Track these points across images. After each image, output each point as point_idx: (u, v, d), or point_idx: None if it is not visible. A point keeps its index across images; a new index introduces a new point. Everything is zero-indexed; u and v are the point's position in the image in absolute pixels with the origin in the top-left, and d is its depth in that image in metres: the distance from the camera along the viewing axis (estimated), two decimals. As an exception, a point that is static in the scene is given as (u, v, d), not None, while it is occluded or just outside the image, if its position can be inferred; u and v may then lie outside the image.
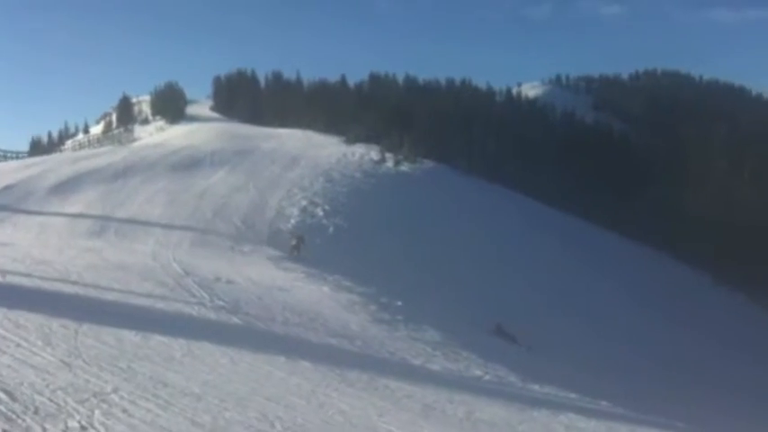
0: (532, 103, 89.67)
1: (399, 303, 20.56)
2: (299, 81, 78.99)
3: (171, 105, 76.65)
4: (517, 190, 52.94)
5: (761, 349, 36.87)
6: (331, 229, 34.23)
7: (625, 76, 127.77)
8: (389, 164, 51.47)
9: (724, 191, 52.22)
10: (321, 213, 36.34)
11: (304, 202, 37.74)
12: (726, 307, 42.25)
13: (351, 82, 77.06)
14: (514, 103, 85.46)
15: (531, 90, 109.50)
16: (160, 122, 73.67)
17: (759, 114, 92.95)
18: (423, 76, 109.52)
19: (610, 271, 42.31)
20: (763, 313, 42.82)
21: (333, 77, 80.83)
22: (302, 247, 26.71)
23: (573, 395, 12.43)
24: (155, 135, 66.29)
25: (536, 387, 12.66)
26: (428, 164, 52.98)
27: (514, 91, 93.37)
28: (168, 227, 30.31)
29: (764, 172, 52.89)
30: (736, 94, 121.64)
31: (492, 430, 8.10)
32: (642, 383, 21.86)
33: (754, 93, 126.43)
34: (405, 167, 51.41)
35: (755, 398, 27.73)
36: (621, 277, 41.67)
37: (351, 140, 57.00)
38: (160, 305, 14.52)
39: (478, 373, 13.00)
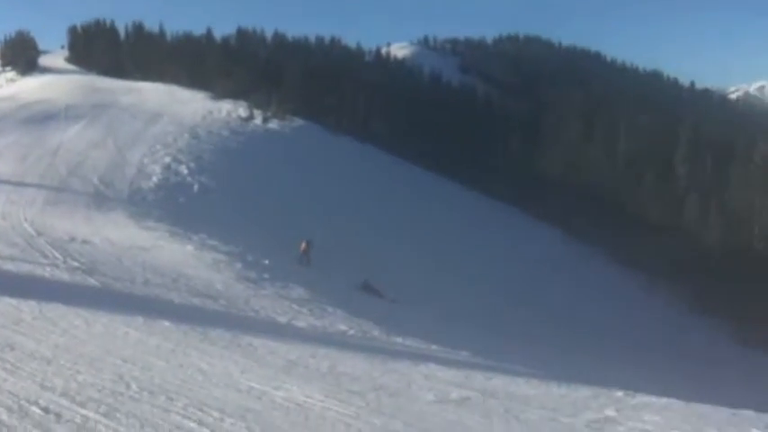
0: (401, 63, 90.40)
1: (267, 262, 20.41)
2: (161, 33, 75.92)
3: (22, 55, 71.83)
4: (385, 149, 53.54)
5: (618, 299, 39.37)
6: (196, 188, 33.40)
7: (489, 39, 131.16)
8: (258, 121, 50.62)
9: (578, 152, 54.81)
10: (186, 171, 35.35)
11: (167, 160, 36.57)
12: (579, 260, 44.67)
13: (217, 36, 74.87)
14: (383, 63, 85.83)
15: (399, 50, 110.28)
16: (10, 74, 68.94)
17: (612, 79, 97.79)
18: (292, 33, 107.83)
19: (473, 227, 43.72)
20: (618, 266, 45.62)
21: (198, 31, 78.27)
22: (309, 251, 24.79)
23: (434, 346, 12.81)
24: (5, 87, 61.98)
25: (399, 340, 12.95)
26: (298, 122, 52.52)
27: (383, 51, 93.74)
28: (20, 184, 28.60)
29: (615, 134, 55.89)
30: (592, 60, 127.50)
31: (353, 383, 8.22)
32: (503, 333, 22.86)
33: (608, 58, 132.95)
34: (274, 125, 50.73)
35: (617, 341, 29.75)
36: (483, 233, 43.17)
37: (217, 96, 55.52)
38: (9, 266, 13.74)
39: (343, 328, 13.15)
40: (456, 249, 38.48)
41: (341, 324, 13.52)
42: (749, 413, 9.39)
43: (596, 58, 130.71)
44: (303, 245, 24.65)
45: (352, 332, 12.96)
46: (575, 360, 19.90)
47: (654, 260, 43.55)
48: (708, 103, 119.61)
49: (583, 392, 9.92)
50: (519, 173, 52.62)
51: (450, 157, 53.29)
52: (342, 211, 37.04)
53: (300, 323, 12.87)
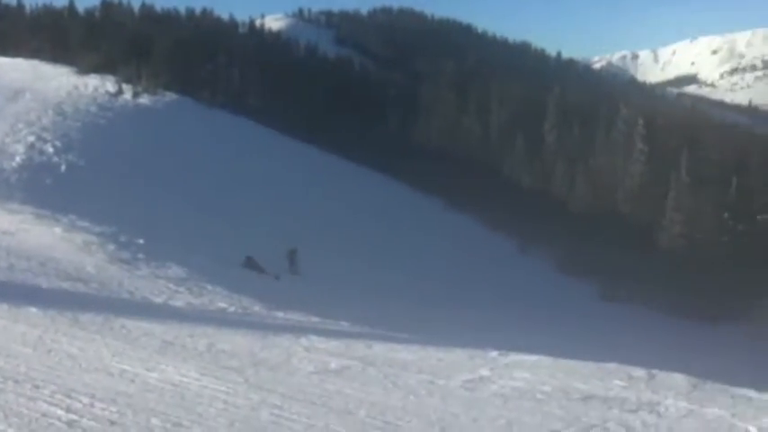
0: (276, 35, 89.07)
1: (141, 241, 19.81)
2: (19, 6, 71.56)
3: None
4: (262, 123, 52.78)
5: (493, 262, 40.70)
6: (63, 167, 31.89)
7: (364, 11, 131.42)
8: (127, 96, 48.69)
9: (453, 122, 56.02)
10: (51, 150, 33.66)
11: (31, 138, 34.69)
12: (456, 227, 45.88)
13: (80, 8, 71.24)
14: (258, 36, 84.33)
15: (274, 23, 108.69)
16: None
17: (483, 51, 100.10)
18: (161, 4, 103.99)
19: (354, 200, 43.98)
20: (493, 231, 47.13)
21: (59, 2, 74.24)
22: (296, 259, 24.96)
23: (315, 319, 12.87)
24: None
25: (280, 314, 12.93)
26: (170, 96, 50.89)
27: (257, 23, 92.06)
28: None
29: (487, 104, 57.42)
30: (463, 32, 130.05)
31: (232, 359, 8.16)
32: (384, 301, 23.23)
33: (479, 30, 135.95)
34: (144, 100, 48.96)
35: (494, 302, 30.80)
36: (364, 205, 43.51)
37: (83, 71, 52.92)
38: None
39: (223, 305, 12.99)
40: (338, 222, 38.65)
41: (221, 302, 13.34)
42: (613, 366, 9.99)
43: (467, 30, 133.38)
44: (288, 254, 24.91)
45: (232, 309, 12.81)
46: (454, 323, 20.50)
47: (526, 224, 45.30)
48: (573, 73, 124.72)
49: (459, 355, 10.26)
50: (397, 144, 53.26)
51: (327, 130, 53.19)
52: (218, 187, 36.36)
53: (178, 303, 12.61)
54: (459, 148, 53.04)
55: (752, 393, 8.94)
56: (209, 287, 14.82)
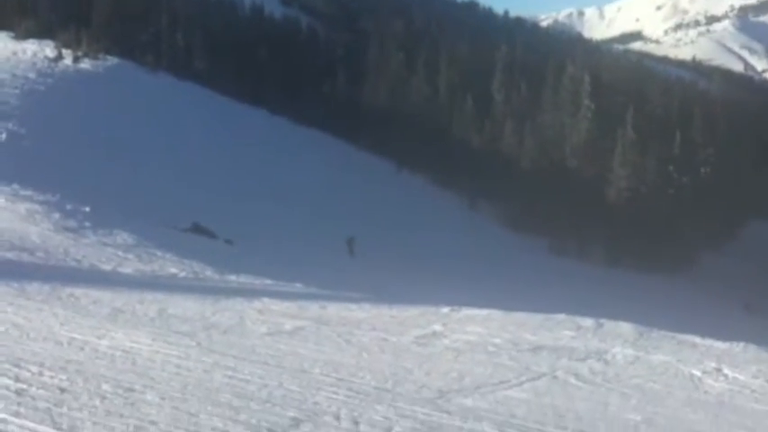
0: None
1: (87, 209, 19.38)
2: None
3: None
4: (208, 86, 51.77)
5: (444, 221, 41.02)
6: (4, 136, 30.92)
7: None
8: (67, 61, 47.24)
9: (402, 82, 55.72)
10: (-11, 118, 32.57)
11: (-33, 107, 33.53)
12: (407, 187, 46.02)
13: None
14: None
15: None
16: None
17: (431, 10, 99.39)
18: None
19: (303, 163, 43.67)
20: (443, 191, 47.43)
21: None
22: (354, 247, 27.11)
23: (268, 281, 12.84)
24: None
25: (233, 278, 12.86)
26: (111, 60, 49.50)
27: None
28: None
29: (436, 63, 57.24)
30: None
31: (184, 324, 8.11)
32: (338, 263, 23.29)
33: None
34: (85, 65, 47.57)
35: (445, 260, 31.12)
36: (314, 168, 43.26)
37: (20, 36, 51.04)
38: None
39: (174, 271, 12.85)
40: (291, 186, 38.42)
41: (171, 267, 13.19)
42: (561, 316, 10.23)
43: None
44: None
45: (183, 274, 12.69)
46: (407, 281, 20.65)
47: (476, 182, 45.67)
48: (521, 31, 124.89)
49: (412, 312, 10.38)
50: (346, 106, 52.87)
51: (275, 92, 52.50)
52: (165, 152, 35.74)
53: (127, 270, 12.43)
54: (409, 108, 52.90)
55: (696, 339, 9.26)
56: (159, 253, 14.62)
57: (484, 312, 10.26)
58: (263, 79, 53.77)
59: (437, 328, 9.07)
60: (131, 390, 5.43)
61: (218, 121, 45.04)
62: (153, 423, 4.78)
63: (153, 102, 44.05)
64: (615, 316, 10.54)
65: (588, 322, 9.66)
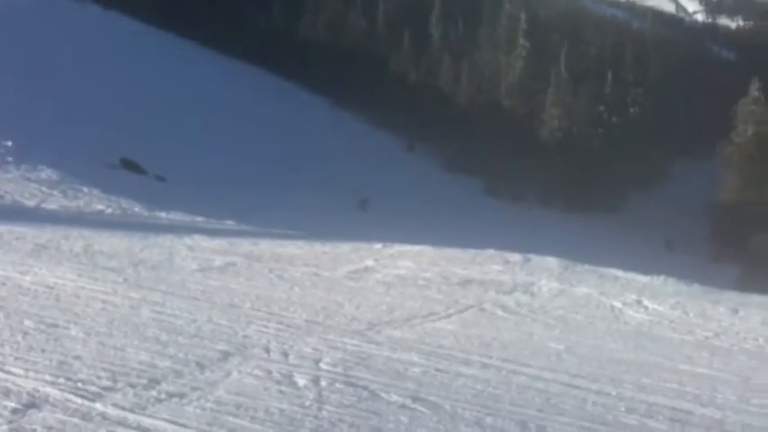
0: None
1: (9, 144, 18.67)
2: None
3: None
4: (137, 17, 49.79)
5: (380, 161, 40.93)
6: None
7: None
8: (-15, -11, 44.75)
9: (339, 16, 54.69)
10: None
11: None
12: (343, 125, 45.67)
13: None
14: None
15: None
16: None
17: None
18: None
19: (239, 98, 42.81)
20: (380, 129, 47.21)
21: None
22: (368, 205, 29.05)
23: (199, 218, 12.69)
24: None
25: (162, 214, 12.66)
26: (33, -11, 47.08)
27: None
28: None
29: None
30: None
31: (111, 260, 7.97)
32: (274, 201, 23.10)
33: None
34: (3, -6, 45.15)
35: (383, 200, 31.23)
36: (250, 104, 42.50)
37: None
38: None
39: (100, 207, 12.57)
40: (224, 123, 37.65)
41: (97, 204, 12.89)
42: (490, 252, 10.44)
43: None
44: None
45: (110, 211, 12.43)
46: (343, 220, 20.69)
47: (413, 122, 45.61)
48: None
49: (345, 248, 10.44)
50: (281, 40, 51.70)
51: (207, 25, 50.89)
52: (92, 87, 34.47)
53: (51, 206, 12.11)
54: (345, 43, 52.11)
55: (618, 273, 9.58)
56: (85, 189, 14.25)
57: (416, 248, 10.38)
58: (194, 10, 52.01)
59: (369, 263, 9.15)
60: (55, 326, 5.33)
61: (149, 54, 43.60)
62: (77, 358, 4.72)
63: (80, 34, 42.26)
64: (543, 252, 10.80)
65: (516, 257, 9.88)
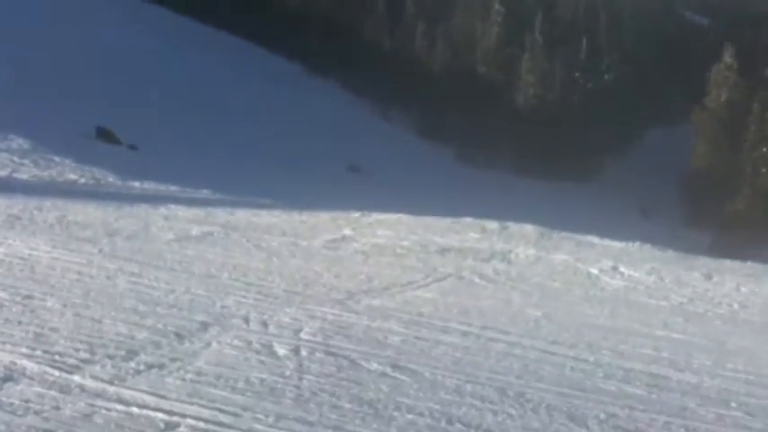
0: None
1: (-23, 113, 18.30)
2: None
3: None
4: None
5: (352, 128, 40.71)
6: None
7: None
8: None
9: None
10: None
11: None
12: (318, 94, 45.29)
13: None
14: None
15: None
16: None
17: None
18: None
19: (213, 67, 42.24)
20: (353, 96, 46.89)
21: None
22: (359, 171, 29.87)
23: (174, 187, 12.55)
24: None
25: (137, 184, 12.50)
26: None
27: None
28: None
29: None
30: None
31: (86, 230, 7.87)
32: (250, 168, 22.91)
33: None
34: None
35: (356, 167, 31.13)
36: (224, 73, 41.95)
37: None
38: None
39: (73, 177, 12.37)
40: (194, 88, 37.14)
41: (70, 174, 12.69)
42: (468, 220, 10.46)
43: None
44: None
45: (83, 181, 12.25)
46: (319, 188, 20.59)
47: (388, 89, 45.33)
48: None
49: (323, 217, 10.40)
50: (252, 3, 50.87)
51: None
52: (63, 58, 33.77)
53: (23, 176, 11.89)
54: (318, 8, 51.43)
55: (594, 239, 9.66)
56: (57, 159, 14.00)
57: (393, 216, 10.38)
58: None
59: (347, 232, 9.13)
60: (30, 297, 5.26)
61: (117, 22, 42.74)
62: (54, 330, 4.67)
63: (45, 4, 41.24)
64: (520, 220, 10.85)
65: (493, 225, 9.92)
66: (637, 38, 54.37)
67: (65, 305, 5.19)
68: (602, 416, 4.15)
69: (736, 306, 6.96)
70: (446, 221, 10.18)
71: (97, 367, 4.20)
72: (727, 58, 42.55)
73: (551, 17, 49.15)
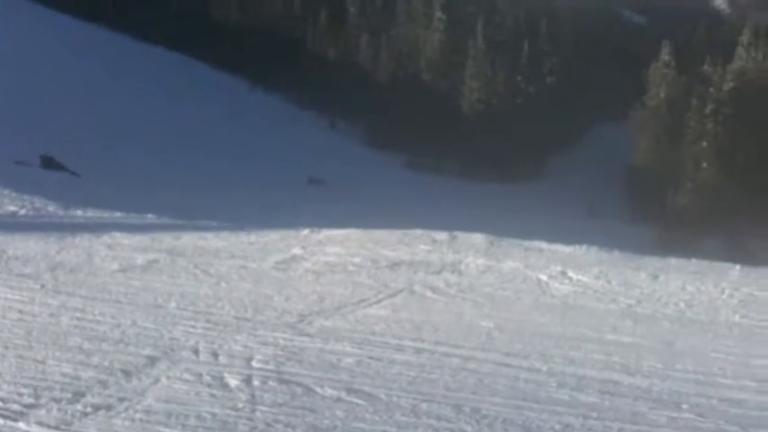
0: None
1: None
2: None
3: None
4: (45, 4, 47.55)
5: (301, 140, 40.59)
6: None
7: None
8: None
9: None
10: None
11: None
12: (264, 109, 45.08)
13: None
14: None
15: None
16: None
17: None
18: None
19: (151, 83, 41.69)
20: (298, 108, 46.79)
21: None
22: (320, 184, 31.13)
23: (119, 214, 12.31)
24: None
25: (79, 213, 12.21)
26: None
27: None
28: None
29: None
30: None
31: (27, 265, 7.65)
32: (194, 190, 22.65)
33: None
34: None
35: (302, 181, 31.04)
36: (164, 88, 41.46)
37: None
38: None
39: (12, 208, 12.04)
40: (137, 110, 36.61)
41: (9, 205, 12.34)
42: (418, 231, 10.48)
43: None
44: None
45: (23, 212, 11.92)
46: (266, 206, 20.48)
47: (334, 100, 45.35)
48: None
49: (272, 236, 10.30)
50: (195, 21, 50.31)
51: (114, 7, 49.06)
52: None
53: (-41, 210, 11.55)
54: (262, 24, 51.14)
55: (543, 245, 9.75)
56: (-5, 190, 13.62)
57: (343, 232, 10.34)
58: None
59: (297, 251, 9.06)
60: (-32, 341, 5.09)
61: (58, 41, 41.83)
62: (-4, 375, 4.53)
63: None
64: (469, 227, 10.92)
65: (443, 236, 9.95)
66: (576, 39, 55.33)
67: (6, 347, 5.04)
68: (558, 426, 4.18)
69: (682, 305, 7.09)
70: (396, 234, 10.18)
71: (42, 412, 4.08)
72: (665, 56, 43.64)
73: (492, 23, 49.76)
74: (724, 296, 7.58)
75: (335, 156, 39.70)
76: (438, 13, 48.96)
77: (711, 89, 39.86)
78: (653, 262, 9.15)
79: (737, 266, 8.98)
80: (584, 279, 7.87)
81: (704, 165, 37.83)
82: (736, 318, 6.86)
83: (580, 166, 46.74)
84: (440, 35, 48.77)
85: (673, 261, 9.29)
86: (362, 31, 51.07)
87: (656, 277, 8.05)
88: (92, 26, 47.85)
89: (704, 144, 38.52)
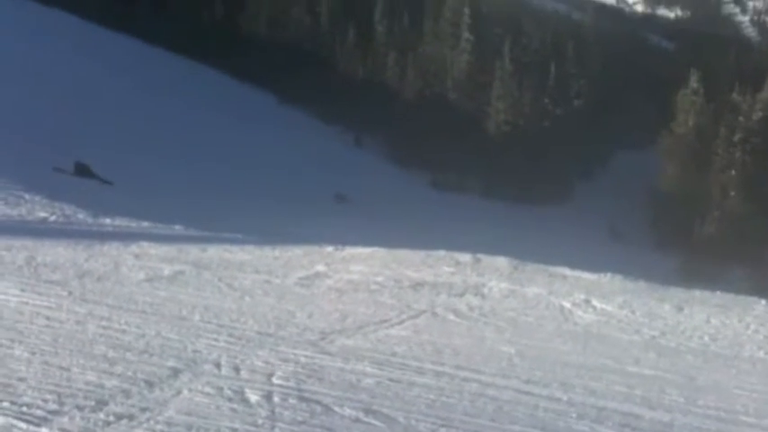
0: None
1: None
2: None
3: None
4: (71, 12, 48.30)
5: (328, 158, 40.75)
6: None
7: None
8: None
9: (281, 11, 54.06)
10: None
11: None
12: (290, 123, 45.34)
13: None
14: None
15: None
16: None
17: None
18: None
19: (181, 96, 42.16)
20: (326, 125, 46.99)
21: None
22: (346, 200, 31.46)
23: (146, 224, 12.45)
24: None
25: (107, 221, 12.38)
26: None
27: None
28: None
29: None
30: None
31: (55, 272, 7.77)
32: (223, 203, 22.80)
33: None
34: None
35: (332, 198, 31.15)
36: (192, 102, 41.88)
37: None
38: None
39: (43, 215, 12.23)
40: (169, 122, 37.00)
41: (40, 211, 12.53)
42: (441, 253, 10.49)
43: None
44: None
45: (53, 218, 12.10)
46: (292, 220, 20.56)
47: (360, 117, 45.55)
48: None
49: (296, 252, 10.36)
50: (224, 35, 50.95)
51: (146, 19, 49.81)
52: (34, 87, 33.51)
53: (-8, 215, 11.75)
54: (289, 39, 51.63)
55: (566, 271, 9.71)
56: (27, 196, 13.84)
57: (367, 250, 10.37)
58: (132, 3, 50.85)
59: (320, 268, 9.10)
60: (-2, 345, 5.18)
61: (93, 55, 42.42)
62: (21, 380, 4.60)
63: (18, 29, 40.97)
64: (492, 249, 10.91)
65: (466, 258, 9.95)
66: (604, 62, 55.25)
67: (33, 353, 5.11)
68: (577, 458, 4.17)
69: (706, 339, 7.03)
70: (420, 255, 10.20)
71: (65, 419, 4.13)
72: (693, 83, 43.35)
73: (520, 45, 49.82)
74: (749, 331, 7.50)
75: (360, 172, 39.78)
76: (466, 34, 49.11)
77: (740, 117, 39.55)
78: (678, 293, 9.07)
79: (763, 301, 8.88)
80: (608, 308, 7.83)
81: (732, 193, 37.47)
82: (761, 354, 6.79)
83: (605, 191, 46.49)
84: (467, 56, 48.90)
85: (697, 293, 9.21)
86: (390, 50, 51.34)
87: (680, 309, 7.98)
88: (124, 38, 48.52)
89: (732, 173, 38.17)
